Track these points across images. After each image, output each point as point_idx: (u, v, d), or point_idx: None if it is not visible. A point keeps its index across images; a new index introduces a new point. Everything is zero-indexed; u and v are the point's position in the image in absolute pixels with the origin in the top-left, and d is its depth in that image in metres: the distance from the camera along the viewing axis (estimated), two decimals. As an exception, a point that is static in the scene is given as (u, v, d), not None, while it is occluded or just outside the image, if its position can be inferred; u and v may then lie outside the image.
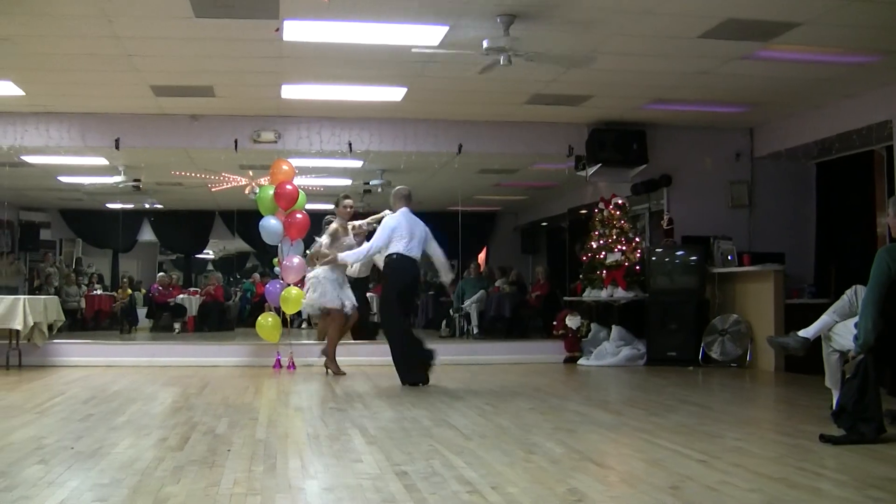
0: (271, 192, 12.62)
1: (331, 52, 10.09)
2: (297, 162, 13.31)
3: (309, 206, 13.19)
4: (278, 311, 12.74)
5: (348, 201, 11.95)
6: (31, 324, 12.10)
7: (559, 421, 7.52)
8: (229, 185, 16.38)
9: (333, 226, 11.73)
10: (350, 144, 13.61)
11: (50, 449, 6.09)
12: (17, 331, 12.10)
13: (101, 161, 15.08)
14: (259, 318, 12.87)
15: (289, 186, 12.56)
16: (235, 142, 13.37)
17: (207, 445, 6.22)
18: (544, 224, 21.24)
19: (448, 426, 7.17)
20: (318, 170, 15.23)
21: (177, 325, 18.67)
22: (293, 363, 12.49)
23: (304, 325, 18.60)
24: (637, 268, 13.61)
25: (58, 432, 6.84)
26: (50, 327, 12.90)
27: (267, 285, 13.44)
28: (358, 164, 15.35)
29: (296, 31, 9.30)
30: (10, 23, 9.02)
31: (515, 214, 22.32)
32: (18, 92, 11.82)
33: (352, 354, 12.76)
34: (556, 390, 10.25)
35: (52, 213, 21.50)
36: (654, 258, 13.62)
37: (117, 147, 13.29)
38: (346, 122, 13.58)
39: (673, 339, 13.12)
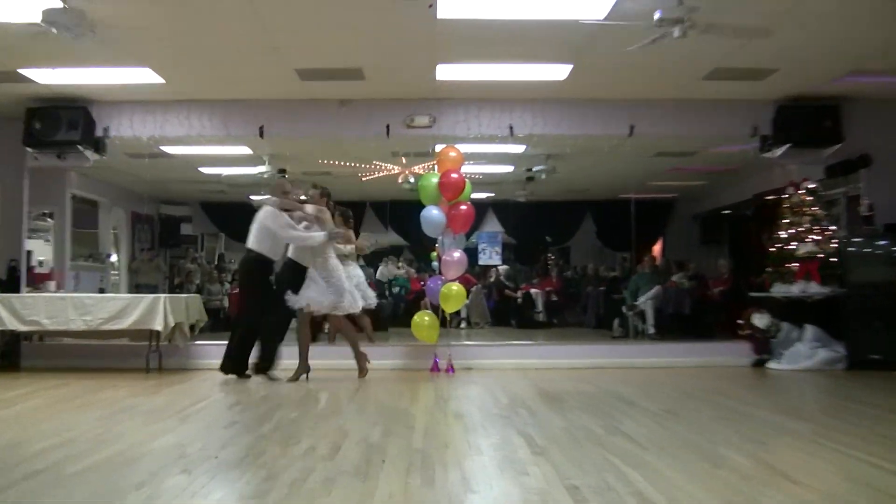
0: (435, 180, 12.70)
1: (489, 28, 10.06)
2: (462, 148, 13.32)
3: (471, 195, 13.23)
4: (436, 309, 12.82)
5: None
6: (172, 324, 12.41)
7: (747, 431, 7.36)
8: (381, 174, 16.55)
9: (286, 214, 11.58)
10: (511, 128, 13.57)
11: (193, 457, 6.24)
12: (158, 332, 12.43)
13: (245, 150, 15.42)
14: (415, 316, 12.99)
15: (455, 175, 12.63)
16: (387, 127, 13.48)
17: (361, 455, 6.27)
18: (726, 212, 20.81)
19: (622, 435, 7.08)
20: (477, 156, 15.26)
21: (326, 327, 18.91)
22: (452, 366, 12.56)
23: (462, 325, 18.67)
24: (833, 259, 13.22)
25: (201, 440, 7.01)
26: (192, 328, 13.29)
27: (428, 281, 13.52)
28: (520, 148, 15.32)
29: (451, 7, 9.31)
30: (150, 9, 9.31)
31: (694, 201, 21.94)
32: (158, 80, 12.20)
33: (518, 356, 12.83)
34: (744, 397, 10.03)
35: (194, 206, 22.01)
36: (851, 249, 13.21)
37: (261, 135, 13.57)
38: (507, 103, 13.55)
39: (877, 340, 12.67)
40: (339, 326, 12.00)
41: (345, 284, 11.31)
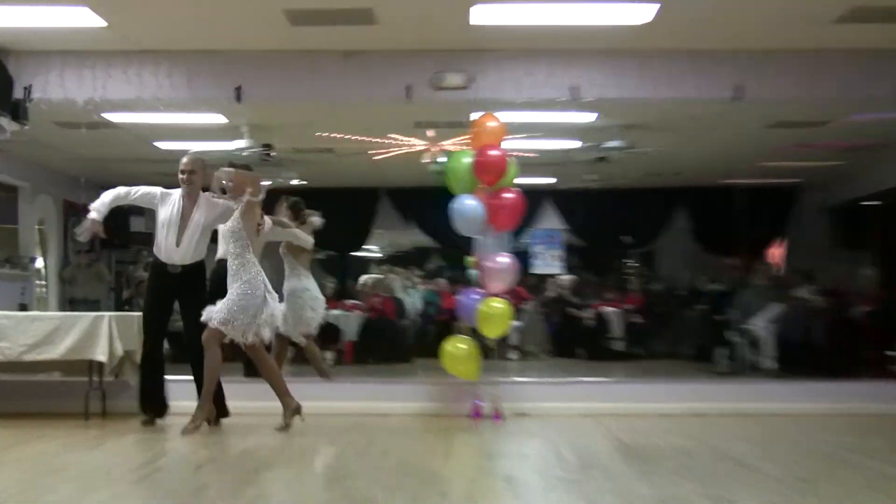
0: (468, 160, 12.65)
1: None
2: (504, 117, 13.25)
3: (518, 181, 13.17)
4: (476, 333, 12.79)
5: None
6: (121, 353, 12.37)
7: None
8: (400, 152, 16.54)
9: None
10: (575, 90, 13.50)
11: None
12: (101, 363, 12.39)
13: (217, 119, 15.45)
14: (447, 344, 12.97)
15: (495, 152, 12.57)
16: (408, 89, 13.40)
17: (378, 533, 6.26)
18: (871, 203, 20.67)
19: (735, 509, 7.03)
20: (530, 128, 15.22)
21: (328, 355, 18.94)
22: (499, 411, 12.53)
23: (513, 356, 18.66)
24: None
25: (161, 513, 7.00)
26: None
27: (460, 295, 13.47)
28: (588, 118, 15.27)
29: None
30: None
31: (825, 190, 21.80)
32: (99, 22, 12.19)
33: (588, 398, 12.82)
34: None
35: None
36: None
37: (238, 98, 13.52)
38: (570, 56, 13.46)
39: None
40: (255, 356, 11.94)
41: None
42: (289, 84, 13.60)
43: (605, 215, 22.45)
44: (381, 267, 22.42)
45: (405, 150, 16.55)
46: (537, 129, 15.55)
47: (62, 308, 17.91)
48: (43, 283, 18.11)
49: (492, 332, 12.65)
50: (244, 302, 10.95)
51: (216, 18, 12.14)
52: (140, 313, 13.02)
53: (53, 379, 13.30)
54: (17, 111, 13.47)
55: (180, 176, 11.80)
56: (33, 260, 17.93)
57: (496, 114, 13.13)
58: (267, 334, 11.38)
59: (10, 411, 12.66)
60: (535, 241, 22.57)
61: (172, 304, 11.81)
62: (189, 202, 11.73)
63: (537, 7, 11.73)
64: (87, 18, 12.02)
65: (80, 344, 12.23)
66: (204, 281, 11.84)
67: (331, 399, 13.19)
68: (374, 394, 13.53)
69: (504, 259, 12.63)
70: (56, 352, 12.26)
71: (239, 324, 10.96)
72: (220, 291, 11.41)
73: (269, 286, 11.32)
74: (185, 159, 11.91)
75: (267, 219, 11.79)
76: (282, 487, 7.95)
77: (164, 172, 20.29)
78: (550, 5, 11.73)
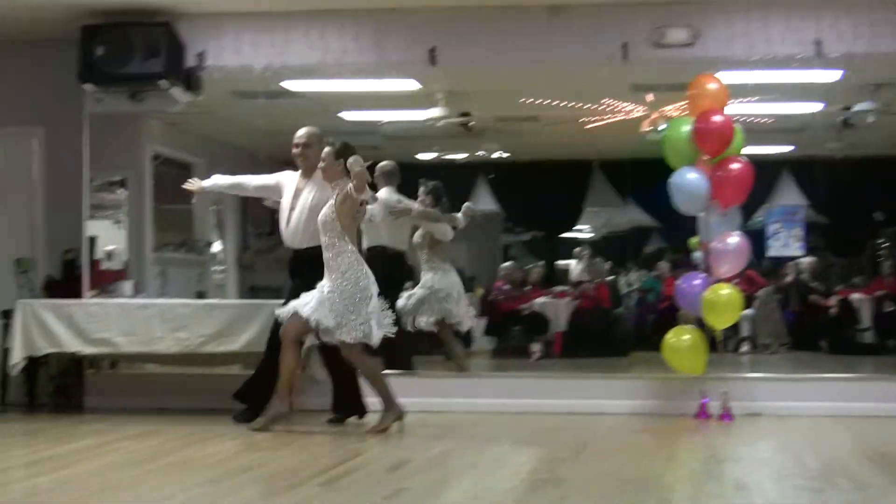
0: (687, 128, 12.64)
1: None
2: (723, 77, 13.20)
3: (750, 150, 13.11)
4: (701, 323, 12.80)
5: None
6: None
7: None
8: (615, 119, 16.55)
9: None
10: (818, 44, 13.36)
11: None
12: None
13: (409, 85, 15.60)
14: (669, 335, 12.98)
15: (718, 118, 12.53)
16: (624, 46, 13.36)
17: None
18: None
19: None
20: (764, 89, 15.11)
21: (535, 348, 19.01)
22: (729, 411, 12.51)
23: (745, 348, 18.58)
24: None
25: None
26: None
27: (679, 281, 13.45)
28: (832, 76, 15.10)
29: None
30: None
31: None
32: (279, -22, 12.44)
33: (832, 397, 12.73)
34: None
35: (333, 169, 22.34)
36: None
37: (432, 61, 13.63)
38: (810, 6, 13.26)
39: None
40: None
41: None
42: (489, 44, 13.58)
43: (853, 188, 22.09)
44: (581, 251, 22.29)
45: (621, 116, 16.55)
46: (772, 91, 15.41)
47: (242, 296, 18.21)
48: (221, 268, 18.42)
49: (719, 321, 12.64)
50: (344, 297, 11.06)
51: (409, -30, 12.28)
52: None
53: (233, 373, 13.64)
54: (190, 80, 13.78)
55: (293, 150, 12.27)
56: (210, 244, 18.26)
57: (725, 73, 13.08)
58: (376, 332, 11.25)
59: (188, 407, 13.06)
60: (770, 219, 22.35)
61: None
62: (302, 179, 12.16)
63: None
64: (266, -25, 12.26)
65: (261, 335, 12.44)
66: (317, 269, 11.58)
67: (537, 396, 13.33)
68: (586, 390, 13.48)
69: (733, 239, 12.57)
70: (236, 343, 12.60)
71: (342, 321, 11.06)
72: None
73: (372, 277, 11.35)
74: (299, 131, 12.35)
75: (413, 204, 11.94)
76: (481, 491, 8.06)
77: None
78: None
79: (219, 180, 12.45)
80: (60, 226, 14.61)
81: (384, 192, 14.12)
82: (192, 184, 12.51)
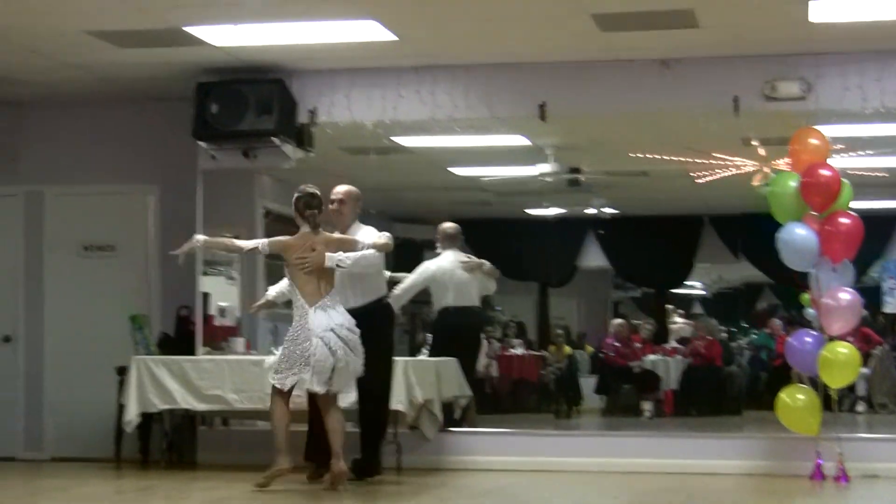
0: (793, 183, 12.52)
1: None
2: (835, 130, 13.04)
3: (859, 205, 12.97)
4: (815, 382, 12.60)
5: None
6: (419, 402, 12.62)
7: None
8: (727, 174, 16.43)
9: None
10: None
11: None
12: (397, 412, 12.63)
13: (518, 140, 15.56)
14: (782, 393, 12.80)
15: (825, 171, 12.39)
16: (735, 100, 13.24)
17: None
18: None
19: None
20: (878, 142, 14.90)
21: (646, 406, 18.92)
22: (844, 472, 12.30)
23: (860, 408, 18.35)
24: None
25: None
26: (448, 407, 13.53)
27: (790, 338, 13.28)
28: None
29: None
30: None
31: None
32: (389, 37, 12.43)
33: None
34: None
35: (441, 226, 22.33)
36: None
37: (542, 116, 13.58)
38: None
39: None
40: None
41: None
42: (599, 97, 13.56)
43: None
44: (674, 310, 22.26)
45: (732, 171, 16.41)
46: (886, 144, 15.20)
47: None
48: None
49: (836, 381, 12.44)
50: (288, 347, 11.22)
51: (517, 28, 12.23)
52: (437, 359, 13.33)
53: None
54: (302, 137, 13.85)
55: (330, 206, 12.03)
56: (319, 299, 18.31)
57: (838, 126, 12.94)
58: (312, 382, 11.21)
59: (298, 464, 12.97)
60: (886, 273, 22.08)
61: None
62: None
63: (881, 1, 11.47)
64: (376, 32, 12.25)
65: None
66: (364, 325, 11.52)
67: (648, 455, 13.26)
68: (698, 449, 13.42)
69: (845, 295, 12.38)
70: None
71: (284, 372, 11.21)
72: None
73: (317, 327, 11.17)
74: (338, 188, 12.21)
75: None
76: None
77: (458, 201, 20.65)
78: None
79: (212, 243, 12.44)
80: (175, 282, 14.71)
81: (450, 254, 14.55)
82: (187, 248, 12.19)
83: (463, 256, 14.81)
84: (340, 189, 12.13)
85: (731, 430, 15.51)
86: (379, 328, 11.86)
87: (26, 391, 15.20)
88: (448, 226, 14.31)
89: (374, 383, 11.76)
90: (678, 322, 22.21)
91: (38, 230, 15.10)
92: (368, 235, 11.69)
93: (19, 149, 15.35)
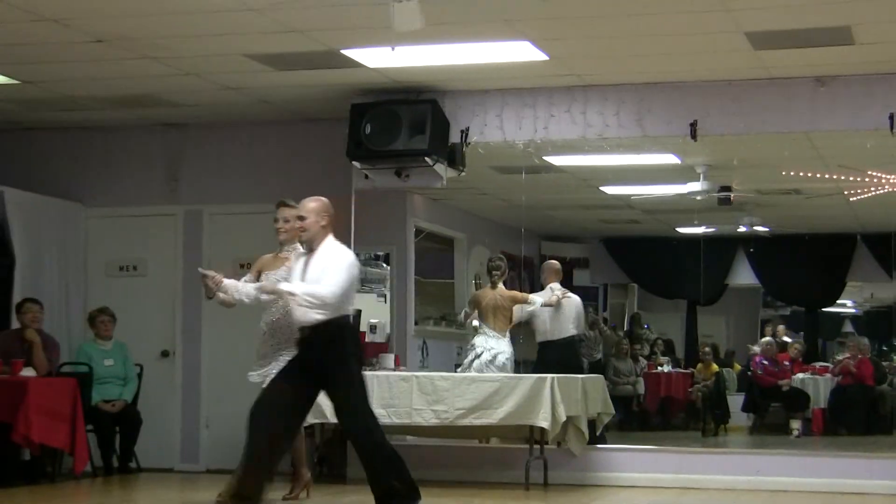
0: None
1: None
2: None
3: None
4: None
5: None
6: (564, 419, 12.59)
7: None
8: (881, 192, 16.22)
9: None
10: None
11: None
12: (543, 429, 12.63)
13: (669, 159, 15.48)
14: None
15: None
16: (891, 117, 13.07)
17: None
18: None
19: None
20: None
21: (795, 425, 18.75)
22: None
23: None
24: None
25: None
26: (591, 424, 13.51)
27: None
28: None
29: None
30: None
31: None
32: (541, 56, 12.43)
33: None
34: None
35: (592, 244, 22.24)
36: None
37: (693, 135, 13.50)
38: None
39: None
40: None
41: None
42: (752, 116, 13.39)
43: None
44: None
45: (887, 188, 16.19)
46: None
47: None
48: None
49: None
50: None
51: (668, 46, 12.18)
52: (584, 376, 13.28)
53: (492, 446, 13.64)
54: (454, 156, 13.86)
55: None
56: (470, 317, 18.30)
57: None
58: None
59: (444, 479, 13.08)
60: None
61: None
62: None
63: None
64: (528, 53, 12.27)
65: (520, 408, 12.53)
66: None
67: (795, 474, 13.14)
68: (847, 469, 13.22)
69: None
70: (495, 416, 12.61)
71: None
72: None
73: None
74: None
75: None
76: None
77: (608, 219, 20.58)
78: None
79: (237, 291, 11.09)
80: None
81: (555, 286, 14.84)
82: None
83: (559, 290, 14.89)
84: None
85: (883, 449, 15.28)
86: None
87: (183, 405, 15.37)
88: (551, 263, 14.02)
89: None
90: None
91: (197, 248, 15.28)
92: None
93: (180, 170, 15.57)
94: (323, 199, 10.32)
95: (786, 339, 21.76)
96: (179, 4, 10.74)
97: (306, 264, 10.16)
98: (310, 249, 10.20)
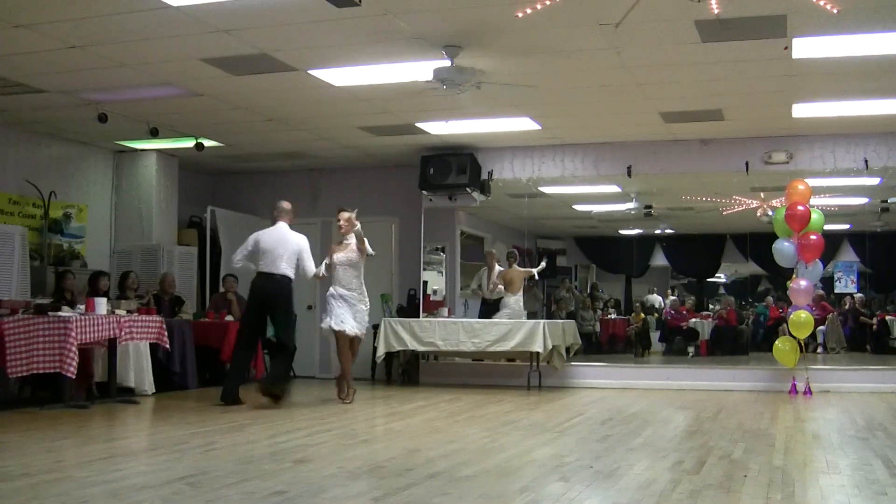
0: (780, 215, 12.42)
1: (844, 66, 9.62)
2: (810, 182, 12.86)
3: (826, 227, 12.78)
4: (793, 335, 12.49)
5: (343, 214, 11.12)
6: (550, 347, 12.68)
7: None
8: (741, 208, 16.20)
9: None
10: (866, 161, 12.85)
11: (570, 467, 6.37)
12: (538, 353, 12.73)
13: (614, 189, 15.50)
14: (776, 342, 12.69)
15: (800, 207, 12.34)
16: (746, 164, 13.06)
17: (723, 470, 6.19)
18: None
19: None
20: (833, 189, 14.65)
21: (690, 349, 18.73)
22: (809, 389, 12.11)
23: (819, 350, 17.94)
24: None
25: (577, 451, 7.14)
26: (567, 350, 13.54)
27: (790, 310, 13.10)
28: (875, 181, 14.55)
29: (806, 47, 9.01)
30: (532, 64, 9.60)
31: None
32: (535, 126, 12.53)
33: (874, 381, 12.35)
34: None
35: (568, 240, 22.25)
36: None
37: (629, 174, 13.58)
38: (862, 137, 12.79)
39: None
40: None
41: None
42: (663, 162, 13.48)
43: (888, 250, 21.21)
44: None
45: (744, 206, 16.12)
46: (838, 190, 14.88)
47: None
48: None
49: (800, 333, 12.39)
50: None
51: (615, 120, 12.23)
52: (562, 321, 13.36)
53: (506, 364, 13.77)
54: (483, 188, 14.00)
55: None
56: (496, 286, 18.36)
57: (808, 180, 12.80)
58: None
59: (479, 384, 13.39)
60: (838, 269, 21.53)
61: None
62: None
63: (841, 104, 11.20)
64: (528, 124, 12.41)
65: (524, 341, 12.66)
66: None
67: (689, 379, 13.26)
68: (721, 376, 13.33)
69: (804, 283, 12.49)
70: (509, 345, 12.73)
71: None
72: None
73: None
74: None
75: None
76: (656, 438, 7.96)
77: (577, 225, 20.60)
78: (851, 102, 11.14)
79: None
80: (407, 274, 15.00)
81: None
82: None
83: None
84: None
85: (740, 364, 15.31)
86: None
87: (320, 337, 15.50)
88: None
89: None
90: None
91: (328, 243, 15.32)
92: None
93: (317, 194, 15.69)
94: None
95: (685, 297, 21.67)
96: (315, 96, 10.91)
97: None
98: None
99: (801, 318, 12.25)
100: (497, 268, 14.96)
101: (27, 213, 12.85)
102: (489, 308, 14.91)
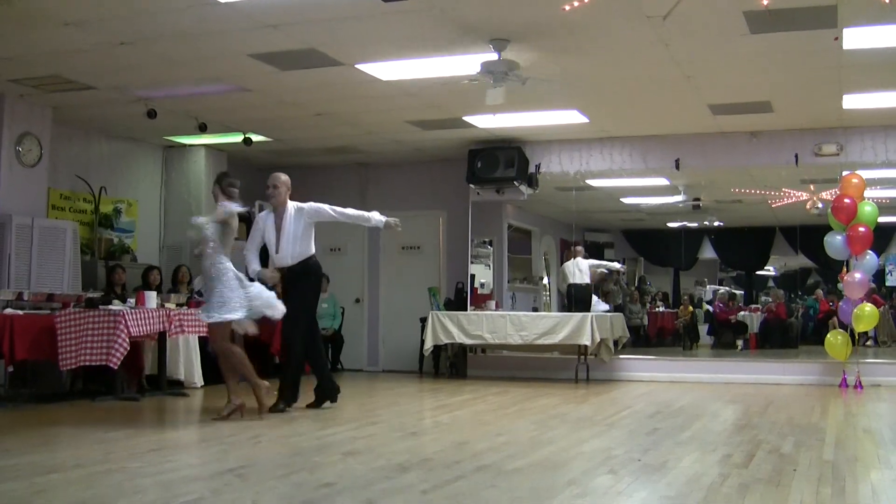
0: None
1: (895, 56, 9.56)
2: (864, 174, 12.72)
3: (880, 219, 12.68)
4: (845, 327, 12.39)
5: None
6: (598, 340, 12.69)
7: None
8: (790, 201, 16.08)
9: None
10: (921, 152, 12.76)
11: (619, 460, 6.36)
12: (586, 346, 12.76)
13: (662, 182, 15.43)
14: (828, 335, 12.67)
15: (847, 200, 12.28)
16: (796, 156, 12.97)
17: (773, 465, 6.16)
18: None
19: None
20: (885, 181, 14.48)
21: (739, 343, 18.65)
22: (860, 383, 11.99)
23: (869, 343, 17.78)
24: None
25: (625, 444, 7.14)
26: (615, 343, 13.56)
27: (841, 303, 12.99)
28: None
29: (856, 38, 8.93)
30: (580, 57, 9.58)
31: None
32: (584, 119, 12.50)
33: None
34: None
35: (615, 233, 22.20)
36: None
37: (677, 167, 13.53)
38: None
39: None
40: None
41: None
42: (711, 155, 13.42)
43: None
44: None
45: (794, 199, 16.00)
46: (892, 182, 14.72)
47: (560, 310, 18.19)
48: (546, 293, 18.40)
49: (861, 326, 12.38)
50: None
51: (662, 113, 12.20)
52: (611, 314, 13.33)
53: (554, 356, 13.76)
54: (531, 181, 13.99)
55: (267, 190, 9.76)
56: (541, 279, 18.30)
57: (863, 172, 12.68)
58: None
59: (526, 377, 13.41)
60: (889, 262, 21.28)
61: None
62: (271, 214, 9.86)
63: (892, 94, 11.09)
64: (576, 117, 12.38)
65: (572, 334, 12.67)
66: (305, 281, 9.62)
67: (738, 372, 13.24)
68: (770, 370, 13.27)
69: (858, 275, 12.38)
70: (557, 338, 12.76)
71: None
72: None
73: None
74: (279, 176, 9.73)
75: None
76: (707, 432, 7.93)
77: (625, 218, 20.54)
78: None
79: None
80: (455, 268, 15.05)
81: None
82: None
83: None
84: (279, 177, 9.73)
85: (790, 357, 15.21)
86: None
87: (368, 330, 15.61)
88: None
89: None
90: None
91: (376, 237, 15.45)
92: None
93: (366, 188, 15.76)
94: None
95: (733, 290, 21.57)
96: (363, 91, 10.97)
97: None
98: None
99: (865, 312, 12.20)
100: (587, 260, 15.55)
101: (78, 208, 13.03)
102: (577, 301, 15.04)
